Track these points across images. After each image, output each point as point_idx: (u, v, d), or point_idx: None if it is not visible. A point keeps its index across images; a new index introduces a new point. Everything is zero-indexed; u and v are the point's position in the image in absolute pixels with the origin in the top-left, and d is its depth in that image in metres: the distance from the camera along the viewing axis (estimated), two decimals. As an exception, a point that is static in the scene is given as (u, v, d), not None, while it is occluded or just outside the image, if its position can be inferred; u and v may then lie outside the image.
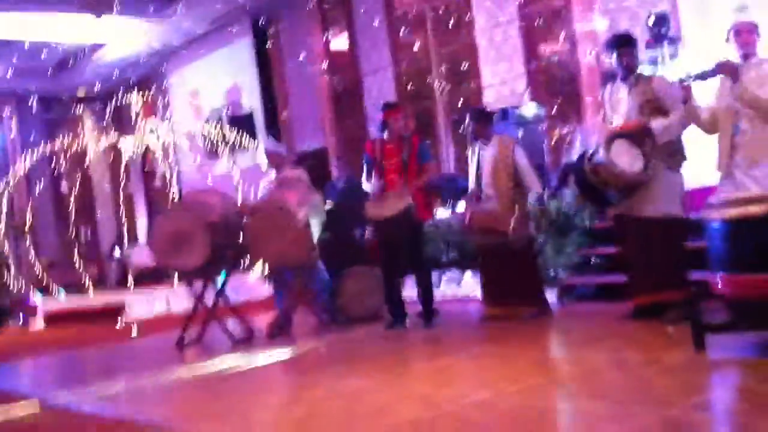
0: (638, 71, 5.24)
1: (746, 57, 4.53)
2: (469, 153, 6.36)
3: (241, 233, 6.76)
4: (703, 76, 4.60)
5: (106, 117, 14.23)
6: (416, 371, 4.72)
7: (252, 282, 9.05)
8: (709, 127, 4.75)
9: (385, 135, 6.28)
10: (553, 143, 9.20)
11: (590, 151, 5.09)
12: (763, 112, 4.40)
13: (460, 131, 6.94)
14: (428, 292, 6.27)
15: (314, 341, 6.30)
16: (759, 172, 4.38)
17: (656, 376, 3.67)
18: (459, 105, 10.44)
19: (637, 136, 4.95)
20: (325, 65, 12.33)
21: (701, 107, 4.76)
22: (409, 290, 6.78)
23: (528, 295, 5.97)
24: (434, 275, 7.83)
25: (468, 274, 7.86)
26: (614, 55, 5.23)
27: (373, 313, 6.83)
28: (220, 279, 7.12)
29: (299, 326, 6.98)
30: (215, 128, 12.04)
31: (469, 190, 6.29)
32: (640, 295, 5.14)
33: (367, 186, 6.35)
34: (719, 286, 3.88)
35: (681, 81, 4.75)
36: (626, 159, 4.88)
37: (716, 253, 3.88)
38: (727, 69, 4.52)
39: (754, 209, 3.64)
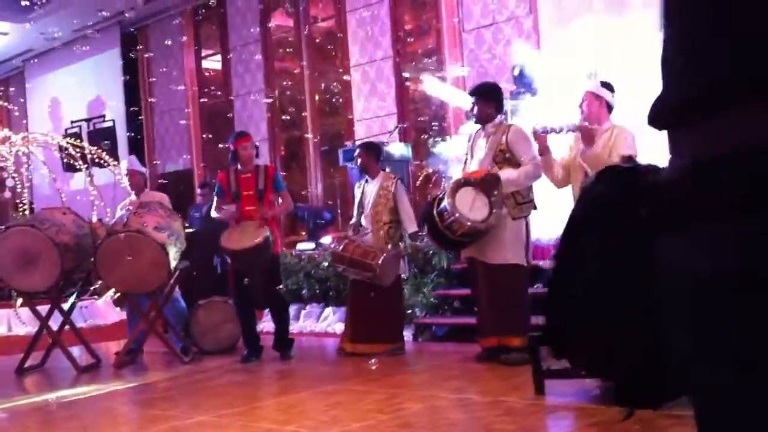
0: (499, 120, 5.44)
1: (589, 122, 4.73)
2: (357, 186, 6.43)
3: (94, 255, 6.48)
4: (558, 131, 4.79)
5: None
6: (264, 407, 4.68)
7: (102, 307, 8.68)
8: (561, 181, 4.97)
9: (239, 165, 6.25)
10: (419, 183, 9.45)
11: (439, 197, 5.27)
12: None
13: (353, 165, 6.97)
14: (284, 325, 6.25)
15: (164, 373, 6.11)
16: None
17: (496, 419, 3.81)
18: (331, 137, 10.55)
19: (484, 184, 5.16)
20: (195, 84, 12.13)
21: (556, 160, 4.98)
22: (266, 323, 6.73)
23: (390, 333, 6.07)
24: (294, 309, 7.83)
25: (328, 309, 7.89)
26: (472, 104, 5.45)
27: (229, 345, 6.71)
28: (67, 302, 6.80)
29: (150, 356, 6.76)
30: (74, 141, 11.53)
31: (350, 223, 6.35)
32: (486, 337, 5.35)
33: (215, 215, 6.29)
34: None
35: (534, 132, 4.94)
36: (468, 207, 5.08)
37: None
38: (584, 132, 4.69)
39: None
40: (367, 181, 6.29)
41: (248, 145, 6.23)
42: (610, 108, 4.76)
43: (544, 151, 4.90)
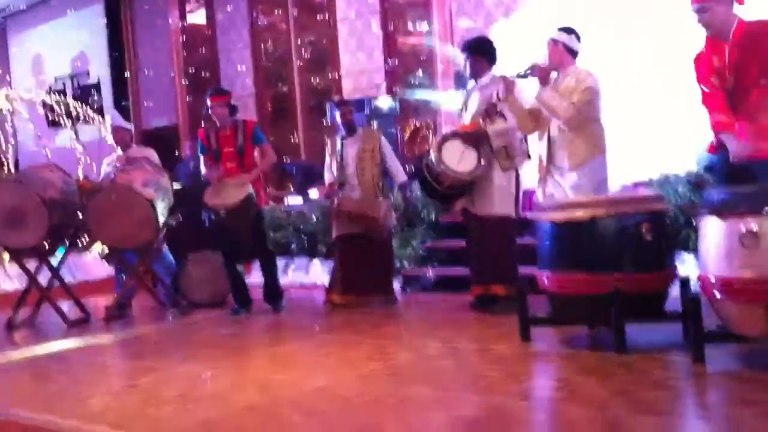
0: (492, 74, 5.39)
1: (551, 68, 4.78)
2: (329, 143, 6.40)
3: (82, 212, 6.47)
4: (524, 75, 4.82)
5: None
6: (256, 357, 4.72)
7: (91, 262, 8.68)
8: (527, 125, 4.98)
9: (216, 122, 6.19)
10: (407, 136, 9.43)
11: (429, 150, 5.31)
12: (566, 123, 4.66)
13: (325, 122, 6.95)
14: (273, 278, 6.29)
15: (154, 326, 6.15)
16: (566, 181, 4.71)
17: (484, 365, 3.89)
18: (317, 92, 10.47)
19: (472, 137, 5.19)
20: (180, 39, 11.97)
21: (523, 106, 4.95)
22: (256, 276, 6.76)
23: (380, 285, 6.13)
24: (282, 262, 7.86)
25: (316, 262, 7.93)
26: (465, 60, 5.44)
27: (219, 299, 6.75)
28: (56, 258, 6.80)
29: (139, 310, 6.80)
30: (58, 98, 11.40)
31: (326, 180, 6.34)
32: (477, 287, 5.41)
33: (202, 172, 6.27)
34: (545, 283, 4.15)
35: (503, 78, 4.96)
36: (456, 159, 5.12)
37: (543, 252, 4.15)
38: (537, 71, 4.74)
39: (579, 214, 3.92)
40: (343, 137, 6.26)
41: (219, 103, 6.12)
42: (573, 53, 4.79)
43: (509, 93, 4.91)
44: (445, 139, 5.23)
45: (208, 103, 6.19)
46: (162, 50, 12.07)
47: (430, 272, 6.81)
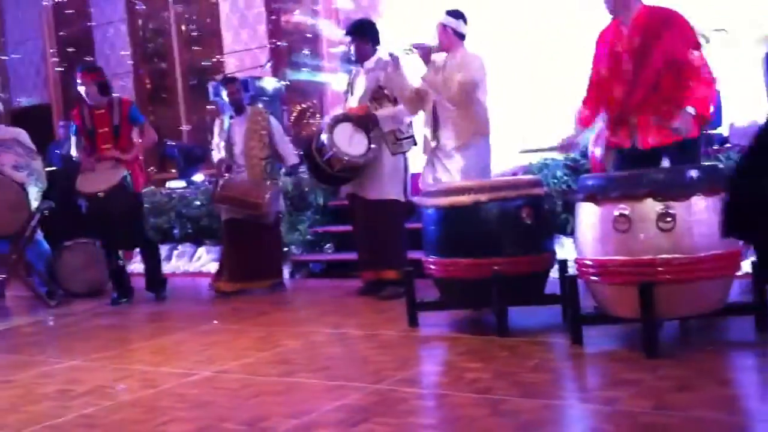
0: (377, 57, 5.39)
1: (439, 51, 4.85)
2: (217, 123, 6.25)
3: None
4: (408, 51, 4.86)
5: None
6: (138, 349, 4.58)
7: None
8: (413, 104, 5.03)
9: (91, 102, 5.93)
10: (292, 118, 9.31)
11: (318, 133, 5.28)
12: (449, 99, 4.71)
13: (220, 99, 6.75)
14: (154, 265, 6.10)
15: (28, 317, 5.86)
16: (452, 164, 4.79)
17: (372, 351, 3.91)
18: (199, 70, 10.17)
19: (362, 120, 5.21)
20: (51, 13, 11.33)
21: (408, 84, 4.98)
22: (136, 263, 6.55)
23: (268, 271, 6.06)
24: (165, 249, 7.64)
25: (201, 249, 7.75)
26: (349, 43, 5.42)
27: (97, 288, 6.50)
28: None
29: (14, 301, 6.46)
30: None
31: (215, 161, 6.19)
32: (365, 272, 5.44)
33: (75, 156, 6.00)
34: (431, 267, 4.21)
35: (390, 54, 4.98)
36: (347, 142, 5.13)
37: (428, 237, 4.22)
38: (419, 49, 4.81)
39: (462, 199, 3.99)
40: (231, 117, 6.13)
41: (89, 80, 5.85)
42: (461, 36, 4.87)
43: (395, 69, 4.94)
44: (336, 121, 5.21)
45: (78, 80, 5.90)
46: (31, 24, 11.41)
47: (318, 258, 6.79)
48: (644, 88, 3.84)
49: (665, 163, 3.87)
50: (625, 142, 3.96)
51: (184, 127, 10.29)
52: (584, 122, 4.19)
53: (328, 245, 7.05)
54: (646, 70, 3.83)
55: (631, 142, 3.94)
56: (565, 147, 4.35)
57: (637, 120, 3.89)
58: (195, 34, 10.31)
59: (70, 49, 11.25)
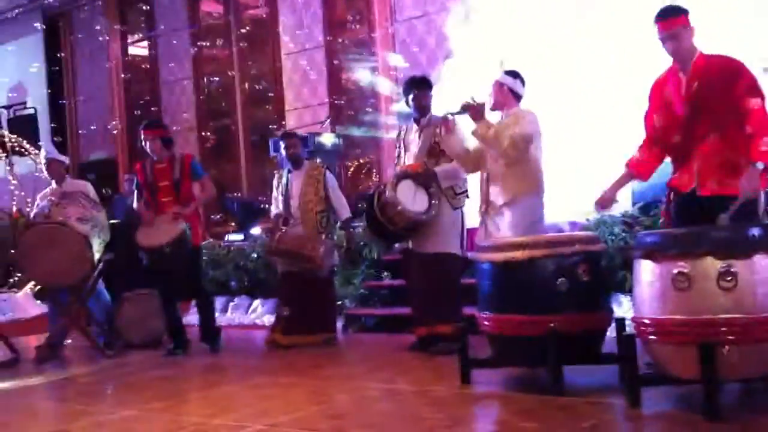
0: (430, 113, 5.45)
1: (494, 109, 4.87)
2: (276, 177, 6.36)
3: (15, 248, 6.26)
4: (458, 113, 4.87)
5: None
6: (192, 400, 4.60)
7: (22, 300, 8.41)
8: (467, 164, 5.05)
9: (153, 156, 6.11)
10: (350, 173, 9.43)
11: (380, 190, 5.29)
12: (503, 154, 4.69)
13: (279, 154, 6.90)
14: (209, 317, 6.17)
15: (87, 367, 5.96)
16: (500, 219, 4.76)
17: (424, 408, 3.85)
18: (260, 126, 10.42)
19: (422, 177, 5.23)
20: (121, 71, 11.82)
21: (463, 144, 5.01)
22: (193, 315, 6.63)
23: (322, 324, 6.07)
24: (221, 301, 7.73)
25: (257, 301, 7.82)
26: (409, 97, 5.47)
27: (155, 339, 6.58)
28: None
29: (73, 351, 6.58)
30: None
31: (272, 214, 6.28)
32: (419, 328, 5.39)
33: (136, 208, 6.15)
34: (485, 323, 4.15)
35: (443, 117, 5.01)
36: (410, 199, 5.14)
37: (483, 293, 4.17)
38: (468, 109, 4.79)
39: (516, 255, 3.95)
40: (290, 171, 6.23)
41: (152, 136, 6.03)
42: (517, 96, 4.87)
43: (449, 132, 4.98)
44: (399, 178, 5.24)
45: (142, 136, 6.09)
46: (102, 82, 11.90)
47: (371, 312, 6.77)
48: (706, 134, 3.78)
49: (722, 215, 3.73)
50: (685, 186, 3.88)
51: (245, 182, 10.50)
52: (633, 166, 4.09)
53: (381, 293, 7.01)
54: (707, 117, 3.77)
55: (691, 187, 3.85)
56: (599, 203, 4.24)
57: (699, 166, 3.81)
58: (258, 89, 10.59)
59: (137, 105, 11.67)
